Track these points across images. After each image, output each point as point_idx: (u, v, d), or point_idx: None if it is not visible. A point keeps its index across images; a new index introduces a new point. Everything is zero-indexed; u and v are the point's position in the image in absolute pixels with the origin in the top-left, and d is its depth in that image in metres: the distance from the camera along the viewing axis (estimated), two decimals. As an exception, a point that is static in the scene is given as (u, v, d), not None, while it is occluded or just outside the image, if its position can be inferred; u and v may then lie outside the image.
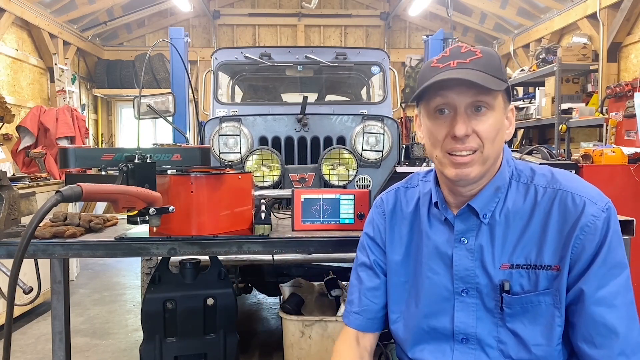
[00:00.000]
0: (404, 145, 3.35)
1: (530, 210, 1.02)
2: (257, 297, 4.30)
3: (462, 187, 1.03)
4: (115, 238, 1.47)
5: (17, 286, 0.92)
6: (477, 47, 1.01)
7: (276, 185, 2.66)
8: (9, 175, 4.07)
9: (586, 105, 5.42)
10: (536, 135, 6.93)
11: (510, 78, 6.46)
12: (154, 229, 1.49)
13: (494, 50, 1.05)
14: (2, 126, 4.78)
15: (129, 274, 5.19)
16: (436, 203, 1.09)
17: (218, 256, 1.95)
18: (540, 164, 1.12)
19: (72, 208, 4.66)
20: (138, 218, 1.24)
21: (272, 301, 4.16)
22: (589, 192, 0.99)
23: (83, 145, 4.75)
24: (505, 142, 1.06)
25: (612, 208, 0.98)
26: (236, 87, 4.43)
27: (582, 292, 0.95)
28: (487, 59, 0.98)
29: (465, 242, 1.05)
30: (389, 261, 1.16)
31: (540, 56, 5.82)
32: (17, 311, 3.56)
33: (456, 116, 0.97)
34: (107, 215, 1.77)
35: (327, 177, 2.63)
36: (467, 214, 1.04)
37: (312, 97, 4.32)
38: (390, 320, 1.17)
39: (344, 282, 2.71)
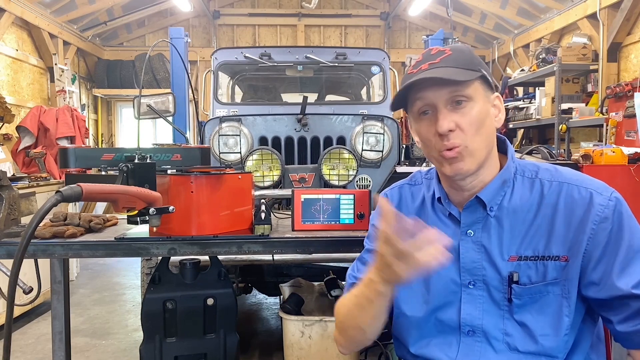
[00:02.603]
0: (404, 145, 3.35)
1: (537, 203, 1.03)
2: (257, 297, 4.30)
3: (460, 181, 1.04)
4: (115, 238, 1.47)
5: (17, 286, 0.92)
6: (448, 46, 1.05)
7: (276, 185, 2.66)
8: (9, 175, 4.07)
9: (586, 105, 5.43)
10: (536, 135, 6.93)
11: (510, 78, 6.46)
12: (154, 229, 1.49)
13: (466, 46, 1.09)
14: (2, 126, 4.78)
15: (129, 274, 5.19)
16: (439, 199, 1.11)
17: (218, 256, 1.95)
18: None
19: (72, 208, 4.66)
20: (138, 218, 1.24)
21: (272, 301, 4.16)
22: (594, 184, 1.01)
23: (83, 145, 4.75)
24: (507, 132, 1.09)
25: (619, 197, 0.99)
26: (236, 87, 4.42)
27: (605, 280, 0.96)
28: (457, 54, 1.02)
29: (472, 234, 1.06)
30: None
31: (540, 56, 5.82)
32: (17, 311, 3.56)
33: (436, 114, 1.00)
34: (107, 215, 1.77)
35: (327, 177, 2.63)
36: (475, 207, 1.06)
37: (312, 97, 4.32)
38: (394, 315, 1.17)
39: (343, 282, 2.70)
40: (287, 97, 4.56)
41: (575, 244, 0.98)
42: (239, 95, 4.49)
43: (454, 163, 1.00)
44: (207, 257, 1.97)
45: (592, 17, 5.61)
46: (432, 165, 1.14)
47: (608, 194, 0.99)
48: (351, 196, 1.64)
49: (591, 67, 5.52)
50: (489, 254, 1.04)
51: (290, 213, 1.76)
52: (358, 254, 1.28)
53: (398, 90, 1.05)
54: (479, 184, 1.05)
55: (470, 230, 1.06)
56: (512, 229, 1.03)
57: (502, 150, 1.10)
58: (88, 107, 7.88)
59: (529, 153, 3.83)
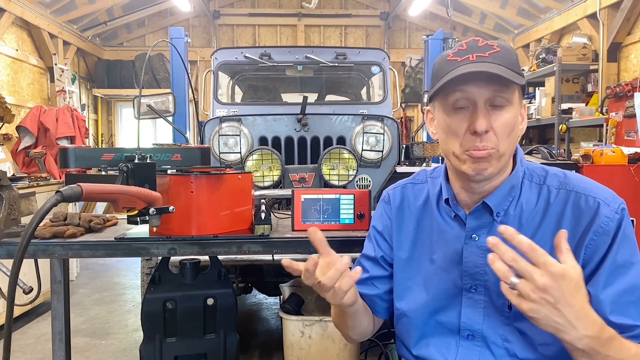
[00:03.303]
0: (404, 145, 3.35)
1: (543, 211, 1.01)
2: (257, 297, 4.30)
3: (477, 183, 1.02)
4: (115, 238, 1.47)
5: (17, 286, 0.92)
6: (494, 41, 1.00)
7: (276, 185, 2.66)
8: (9, 175, 4.07)
9: (586, 105, 5.43)
10: (536, 135, 6.94)
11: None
12: (154, 229, 1.49)
13: (509, 45, 1.05)
14: (2, 126, 4.78)
15: (129, 274, 5.19)
16: (447, 200, 1.09)
17: (218, 256, 1.95)
18: (541, 164, 1.13)
19: (72, 208, 4.66)
20: (138, 218, 1.24)
21: (272, 301, 4.16)
22: (603, 194, 0.99)
23: (83, 145, 4.75)
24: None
25: (626, 209, 0.97)
26: (236, 87, 4.43)
27: (589, 294, 0.93)
28: (505, 53, 0.97)
29: (477, 239, 1.04)
30: (396, 257, 1.17)
31: (540, 56, 5.83)
32: (17, 311, 3.56)
33: (476, 111, 0.96)
34: (107, 215, 1.77)
35: (327, 177, 2.63)
36: (481, 211, 1.04)
37: (312, 97, 4.32)
38: (395, 315, 1.17)
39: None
40: (287, 97, 4.56)
41: (577, 255, 0.96)
42: (239, 95, 4.49)
43: (479, 162, 0.97)
44: (207, 257, 1.97)
45: (592, 17, 5.61)
46: (433, 165, 1.14)
47: (616, 205, 0.96)
48: (351, 196, 1.64)
49: (591, 67, 5.52)
50: None
51: (290, 213, 1.76)
52: (358, 254, 1.28)
53: (437, 76, 0.99)
54: (490, 188, 1.03)
55: (475, 235, 1.04)
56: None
57: None
58: (88, 107, 7.88)
59: (529, 153, 3.83)
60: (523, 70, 6.27)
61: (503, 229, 0.79)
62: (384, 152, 2.85)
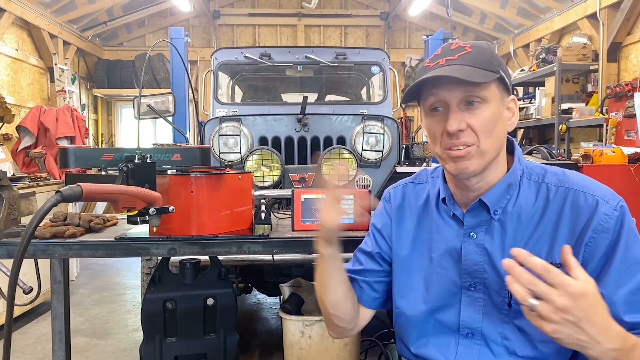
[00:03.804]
0: (404, 145, 3.35)
1: (542, 209, 1.02)
2: (257, 297, 4.30)
3: (465, 180, 1.03)
4: (115, 238, 1.47)
5: (17, 286, 0.92)
6: (468, 42, 1.02)
7: (276, 185, 2.66)
8: (9, 175, 4.07)
9: (586, 105, 5.43)
10: (536, 135, 6.93)
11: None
12: (154, 229, 1.49)
13: (486, 43, 1.06)
14: (2, 126, 4.78)
15: (129, 274, 5.19)
16: (444, 199, 1.10)
17: (218, 256, 1.95)
18: (540, 164, 1.13)
19: (72, 208, 4.66)
20: (138, 218, 1.24)
21: (272, 301, 4.16)
22: (602, 191, 0.99)
23: (83, 145, 4.75)
24: (509, 133, 1.06)
25: (625, 207, 0.97)
26: (236, 87, 4.42)
27: (602, 295, 0.92)
28: (478, 52, 0.99)
29: (475, 237, 1.05)
30: (395, 256, 1.17)
31: (540, 56, 5.82)
32: (17, 311, 3.56)
33: (448, 112, 0.99)
34: (107, 215, 1.77)
35: (327, 177, 2.63)
36: (478, 210, 1.04)
37: (312, 97, 4.32)
38: (394, 314, 1.17)
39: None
40: (287, 97, 4.56)
41: (577, 252, 0.96)
42: (239, 95, 4.49)
43: (460, 162, 0.99)
44: (207, 257, 1.97)
45: (592, 17, 5.61)
46: (433, 165, 1.14)
47: (615, 203, 0.96)
48: (351, 196, 1.64)
49: (591, 67, 5.52)
50: (490, 258, 1.03)
51: (290, 213, 1.76)
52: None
53: (412, 83, 1.03)
54: (484, 185, 1.03)
55: (473, 233, 1.05)
56: (516, 233, 1.02)
57: (510, 151, 1.08)
58: (88, 107, 7.87)
59: (529, 153, 3.83)
60: (523, 70, 6.27)
61: (516, 252, 0.78)
62: (384, 152, 2.85)
